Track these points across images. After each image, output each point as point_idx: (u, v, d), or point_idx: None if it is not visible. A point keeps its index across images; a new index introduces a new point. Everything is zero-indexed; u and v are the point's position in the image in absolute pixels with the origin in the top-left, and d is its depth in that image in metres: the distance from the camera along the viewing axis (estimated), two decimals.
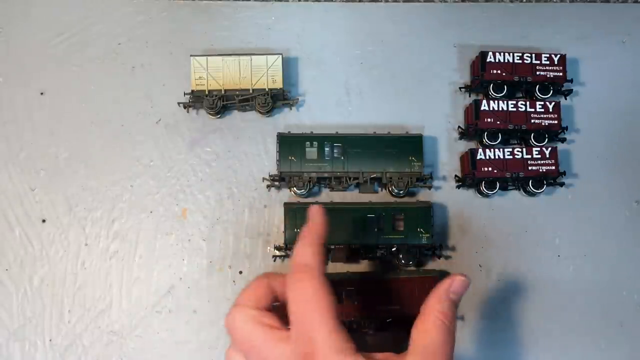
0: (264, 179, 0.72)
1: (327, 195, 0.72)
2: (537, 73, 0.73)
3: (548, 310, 0.71)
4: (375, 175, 0.71)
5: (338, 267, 0.70)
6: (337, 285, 0.66)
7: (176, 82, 0.74)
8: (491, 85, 0.73)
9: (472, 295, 0.71)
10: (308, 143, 0.71)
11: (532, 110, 0.72)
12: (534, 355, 0.70)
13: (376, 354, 0.49)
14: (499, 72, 0.73)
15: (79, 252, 0.70)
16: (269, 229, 0.71)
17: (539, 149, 0.72)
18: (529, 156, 0.71)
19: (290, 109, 0.74)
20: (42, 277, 0.70)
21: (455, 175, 0.73)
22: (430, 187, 0.72)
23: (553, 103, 0.73)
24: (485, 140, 0.72)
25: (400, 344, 0.52)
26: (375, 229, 0.68)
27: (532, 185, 0.71)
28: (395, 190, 0.71)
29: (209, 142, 0.73)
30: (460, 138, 0.74)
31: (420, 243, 0.68)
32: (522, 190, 0.73)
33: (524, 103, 0.72)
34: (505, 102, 0.72)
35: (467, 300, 0.70)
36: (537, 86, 0.73)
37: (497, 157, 0.71)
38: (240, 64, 0.72)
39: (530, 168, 0.71)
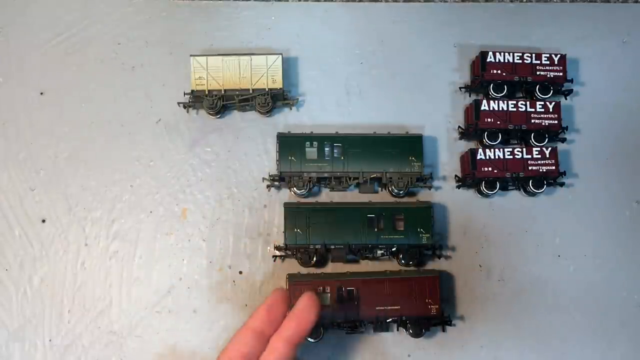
0: (264, 179, 0.72)
1: (327, 195, 0.72)
2: (537, 73, 0.73)
3: (548, 310, 0.71)
4: (375, 175, 0.71)
5: (338, 267, 0.70)
6: (337, 285, 0.66)
7: (176, 82, 0.74)
8: (491, 85, 0.73)
9: (472, 295, 0.71)
10: (308, 143, 0.71)
11: (532, 110, 0.72)
12: (534, 355, 0.70)
13: None
14: (499, 72, 0.73)
15: (78, 252, 0.70)
16: (269, 229, 0.71)
17: (539, 149, 0.72)
18: (529, 156, 0.71)
19: (290, 109, 0.74)
20: (42, 277, 0.69)
21: (456, 175, 0.73)
22: (430, 187, 0.72)
23: (553, 103, 0.73)
24: (485, 140, 0.72)
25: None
26: (375, 229, 0.68)
27: (532, 185, 0.71)
28: (395, 190, 0.71)
29: (209, 142, 0.73)
30: (460, 138, 0.74)
31: (420, 243, 0.68)
32: (522, 190, 0.73)
33: (524, 103, 0.72)
34: (505, 102, 0.72)
35: (468, 300, 0.71)
36: (537, 86, 0.73)
37: (497, 157, 0.71)
38: (240, 64, 0.72)
39: (530, 168, 0.71)
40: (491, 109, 0.72)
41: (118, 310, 0.69)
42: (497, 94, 0.73)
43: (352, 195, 0.72)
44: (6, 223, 0.71)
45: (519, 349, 0.70)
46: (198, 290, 0.70)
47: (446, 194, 0.73)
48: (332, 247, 0.68)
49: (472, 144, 0.74)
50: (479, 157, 0.71)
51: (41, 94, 0.74)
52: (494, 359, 0.70)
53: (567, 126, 0.73)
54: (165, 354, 0.68)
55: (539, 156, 0.71)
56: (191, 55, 0.72)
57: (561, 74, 0.73)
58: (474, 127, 0.72)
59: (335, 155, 0.71)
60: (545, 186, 0.71)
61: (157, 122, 0.73)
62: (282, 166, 0.70)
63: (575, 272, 0.72)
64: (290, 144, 0.71)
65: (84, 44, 0.75)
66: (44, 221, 0.71)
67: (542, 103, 0.73)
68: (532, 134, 0.72)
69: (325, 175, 0.70)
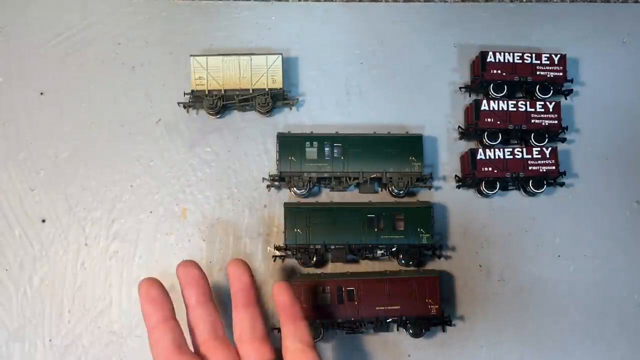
0: (264, 179, 0.72)
1: (327, 195, 0.72)
2: (537, 73, 0.73)
3: (548, 310, 0.71)
4: (375, 175, 0.71)
5: (338, 267, 0.70)
6: (337, 285, 0.66)
7: (176, 82, 0.74)
8: (491, 85, 0.73)
9: (472, 295, 0.71)
10: (308, 143, 0.71)
11: (532, 110, 0.72)
12: (534, 355, 0.70)
13: None
14: (499, 72, 0.73)
15: (78, 252, 0.70)
16: (269, 229, 0.71)
17: (539, 149, 0.72)
18: (529, 156, 0.71)
19: (290, 109, 0.74)
20: (41, 277, 0.69)
21: (456, 175, 0.73)
22: (430, 187, 0.72)
23: (553, 103, 0.73)
24: (485, 140, 0.72)
25: None
26: (375, 229, 0.68)
27: (532, 185, 0.71)
28: (395, 190, 0.71)
29: (209, 142, 0.73)
30: (460, 138, 0.74)
31: (420, 243, 0.68)
32: (522, 190, 0.73)
33: (524, 103, 0.72)
34: (505, 102, 0.72)
35: (468, 300, 0.71)
36: (537, 86, 0.73)
37: (497, 157, 0.71)
38: (240, 64, 0.72)
39: (530, 168, 0.71)
40: (491, 109, 0.72)
41: (118, 310, 0.69)
42: (497, 94, 0.73)
43: (352, 195, 0.72)
44: (6, 223, 0.71)
45: (519, 349, 0.70)
46: None
47: (446, 194, 0.73)
48: (332, 247, 0.68)
49: (472, 144, 0.74)
50: (479, 157, 0.71)
51: (41, 94, 0.74)
52: (494, 359, 0.70)
53: (567, 126, 0.73)
54: None
55: (539, 156, 0.71)
56: (191, 55, 0.72)
57: (561, 74, 0.73)
58: (474, 127, 0.72)
59: (335, 155, 0.71)
60: (545, 186, 0.71)
61: (157, 122, 0.73)
62: (282, 166, 0.70)
63: (575, 272, 0.72)
64: (290, 144, 0.71)
65: (84, 44, 0.75)
66: (44, 221, 0.71)
67: (542, 103, 0.73)
68: (532, 134, 0.72)
69: (325, 175, 0.70)
